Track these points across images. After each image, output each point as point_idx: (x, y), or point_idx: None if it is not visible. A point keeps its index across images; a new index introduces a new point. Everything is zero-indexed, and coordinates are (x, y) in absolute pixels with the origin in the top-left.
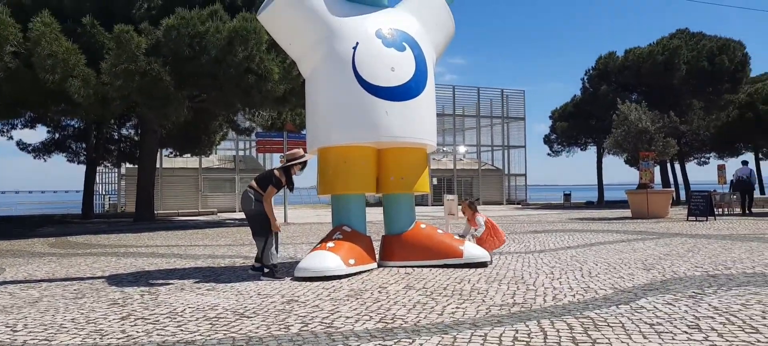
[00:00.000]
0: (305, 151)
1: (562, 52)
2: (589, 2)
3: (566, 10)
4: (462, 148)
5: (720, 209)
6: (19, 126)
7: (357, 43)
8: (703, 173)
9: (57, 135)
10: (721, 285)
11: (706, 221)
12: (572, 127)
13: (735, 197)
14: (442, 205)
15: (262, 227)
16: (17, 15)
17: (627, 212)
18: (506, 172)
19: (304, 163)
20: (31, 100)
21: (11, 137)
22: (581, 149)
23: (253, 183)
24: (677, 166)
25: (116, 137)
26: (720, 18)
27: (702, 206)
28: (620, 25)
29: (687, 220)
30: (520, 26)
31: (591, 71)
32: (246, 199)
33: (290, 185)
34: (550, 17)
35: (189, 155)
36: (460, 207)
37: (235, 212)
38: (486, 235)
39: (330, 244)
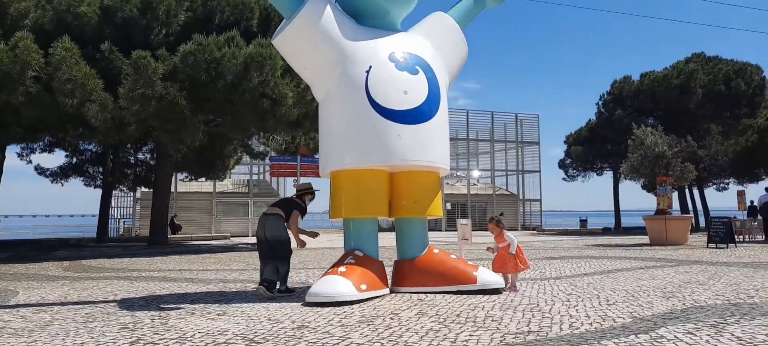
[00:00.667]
0: (318, 175)
1: (576, 76)
2: (603, 27)
3: (580, 35)
4: (476, 173)
5: (741, 236)
6: (38, 150)
7: (370, 67)
8: (722, 199)
9: (74, 159)
10: (743, 314)
11: (727, 248)
12: (587, 151)
13: (756, 223)
14: (456, 230)
15: (287, 251)
16: (39, 41)
17: (645, 239)
18: (521, 197)
19: (314, 194)
20: (50, 123)
21: (30, 161)
22: (597, 174)
23: (280, 210)
24: (696, 191)
25: (132, 161)
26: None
27: (722, 232)
28: (635, 50)
29: (707, 247)
30: (534, 50)
31: (606, 96)
32: (276, 225)
33: (303, 212)
34: (564, 42)
35: (203, 179)
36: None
37: (248, 236)
38: (508, 255)
39: (342, 269)
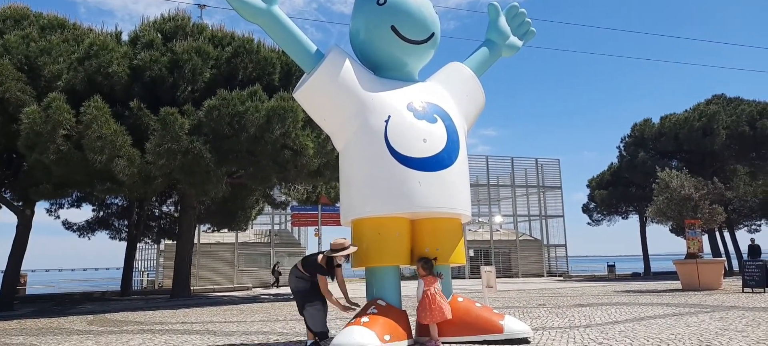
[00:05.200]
0: (339, 224)
1: (593, 120)
2: (618, 71)
3: (595, 79)
4: (498, 218)
5: None
6: (66, 206)
7: (389, 116)
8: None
9: (101, 213)
10: None
11: (764, 292)
12: (611, 195)
13: None
14: (480, 277)
15: (308, 300)
16: (71, 100)
17: (676, 284)
18: (545, 242)
19: (349, 256)
20: (79, 180)
21: (58, 217)
22: (622, 218)
23: (300, 265)
24: (726, 234)
25: (157, 214)
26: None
27: (758, 276)
28: (651, 92)
29: (742, 291)
30: (551, 96)
31: (627, 139)
32: (292, 278)
33: (331, 274)
34: (580, 86)
35: (226, 230)
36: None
37: (269, 286)
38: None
39: (365, 319)
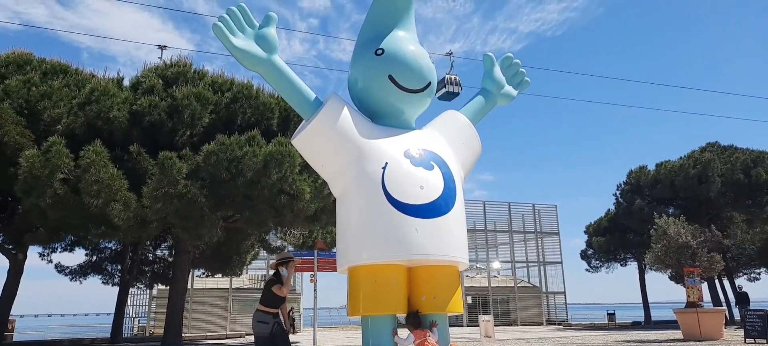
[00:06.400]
0: (335, 269)
1: (590, 167)
2: (615, 117)
3: (591, 126)
4: (496, 264)
5: None
6: (59, 249)
7: (386, 163)
8: (756, 290)
9: (94, 257)
10: None
11: (766, 343)
12: (609, 242)
13: None
14: (478, 325)
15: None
16: (69, 144)
17: (677, 333)
18: (544, 289)
19: (293, 259)
20: (74, 224)
21: (50, 261)
22: (621, 265)
23: (259, 305)
24: (726, 282)
25: (151, 258)
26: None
27: (759, 326)
28: (646, 139)
29: (745, 342)
30: (546, 143)
31: (623, 185)
32: (254, 323)
33: (279, 286)
34: (576, 133)
35: (220, 275)
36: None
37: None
38: None
39: None
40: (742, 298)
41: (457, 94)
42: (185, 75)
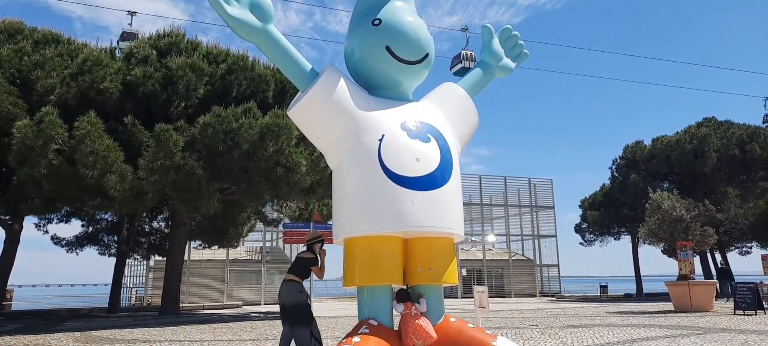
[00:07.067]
0: (331, 242)
1: (586, 142)
2: (610, 93)
3: (588, 101)
4: (491, 238)
5: None
6: (55, 220)
7: (383, 136)
8: (746, 264)
9: (90, 228)
10: None
11: (755, 314)
12: (603, 216)
13: None
14: (472, 296)
15: (304, 317)
16: (63, 115)
17: (669, 305)
18: (538, 262)
19: (323, 242)
20: (69, 195)
21: (46, 231)
22: (615, 239)
23: (293, 276)
24: (718, 256)
25: (147, 230)
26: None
27: (749, 298)
28: (643, 114)
29: (734, 314)
30: (544, 117)
31: (619, 160)
32: (290, 290)
33: (319, 267)
34: (573, 108)
35: (217, 247)
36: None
37: (260, 304)
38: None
39: (356, 339)
40: (724, 273)
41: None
42: (178, 45)
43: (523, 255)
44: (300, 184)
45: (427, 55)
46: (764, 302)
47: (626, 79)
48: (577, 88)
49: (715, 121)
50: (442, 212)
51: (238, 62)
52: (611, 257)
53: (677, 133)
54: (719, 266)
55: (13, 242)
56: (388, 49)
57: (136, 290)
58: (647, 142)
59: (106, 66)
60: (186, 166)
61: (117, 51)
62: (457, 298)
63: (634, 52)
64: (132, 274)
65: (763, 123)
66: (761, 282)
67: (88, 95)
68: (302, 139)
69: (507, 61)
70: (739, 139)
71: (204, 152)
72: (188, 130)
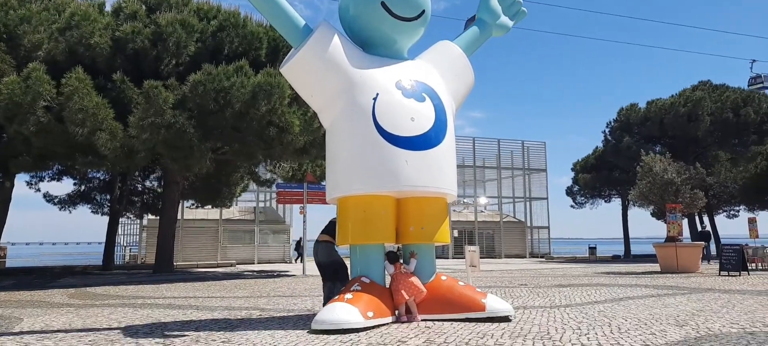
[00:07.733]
0: (325, 202)
1: (581, 105)
2: (607, 56)
3: (584, 63)
4: (483, 200)
5: (753, 264)
6: (47, 178)
7: (377, 94)
8: (734, 226)
9: (83, 187)
10: (760, 343)
11: (739, 275)
12: (595, 179)
13: None
14: (464, 257)
15: (335, 272)
16: (51, 71)
17: (655, 266)
18: (529, 224)
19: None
20: (60, 152)
21: (38, 189)
22: (605, 202)
23: (327, 237)
24: (706, 219)
25: (140, 189)
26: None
27: (734, 260)
28: (639, 77)
29: (719, 275)
30: (539, 79)
31: (613, 123)
32: (325, 251)
33: None
34: (569, 70)
35: (210, 207)
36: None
37: (253, 263)
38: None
39: (348, 295)
40: (704, 236)
41: None
42: (168, 1)
43: (514, 217)
44: (293, 144)
45: (423, 12)
46: (749, 264)
47: (623, 42)
48: (574, 50)
49: (710, 84)
50: (436, 172)
51: (230, 19)
52: (601, 220)
53: (672, 96)
54: (700, 229)
55: (4, 200)
56: (383, 5)
57: (130, 249)
58: (642, 105)
59: (94, 21)
60: (177, 125)
61: None
62: (448, 258)
63: (633, 14)
64: (125, 232)
65: (748, 86)
66: (746, 244)
67: (76, 51)
68: (296, 98)
69: (504, 19)
70: (733, 103)
71: (195, 111)
72: (179, 89)
